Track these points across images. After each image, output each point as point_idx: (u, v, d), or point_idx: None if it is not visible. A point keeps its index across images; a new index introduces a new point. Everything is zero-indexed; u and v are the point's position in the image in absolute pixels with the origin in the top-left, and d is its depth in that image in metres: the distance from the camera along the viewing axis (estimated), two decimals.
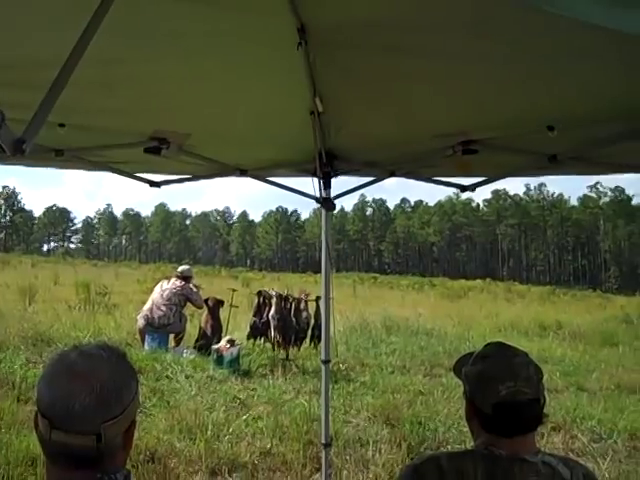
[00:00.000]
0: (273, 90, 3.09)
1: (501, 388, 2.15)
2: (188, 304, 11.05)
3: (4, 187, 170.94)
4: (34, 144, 3.21)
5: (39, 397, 1.70)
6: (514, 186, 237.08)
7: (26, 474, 5.17)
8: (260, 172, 4.59)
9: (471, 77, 2.73)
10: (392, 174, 4.43)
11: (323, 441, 4.78)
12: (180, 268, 11.68)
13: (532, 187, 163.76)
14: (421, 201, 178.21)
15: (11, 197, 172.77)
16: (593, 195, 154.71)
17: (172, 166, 4.33)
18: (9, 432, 6.00)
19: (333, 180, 4.38)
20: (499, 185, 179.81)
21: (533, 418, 2.21)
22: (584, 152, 3.54)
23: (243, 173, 4.52)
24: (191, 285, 11.16)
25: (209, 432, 6.67)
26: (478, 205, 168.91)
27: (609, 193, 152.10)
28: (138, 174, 4.44)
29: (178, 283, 10.89)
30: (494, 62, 2.53)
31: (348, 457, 6.33)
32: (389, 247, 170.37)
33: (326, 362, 4.81)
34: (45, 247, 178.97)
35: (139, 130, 3.56)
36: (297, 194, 4.58)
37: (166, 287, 10.81)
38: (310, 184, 4.28)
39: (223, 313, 11.13)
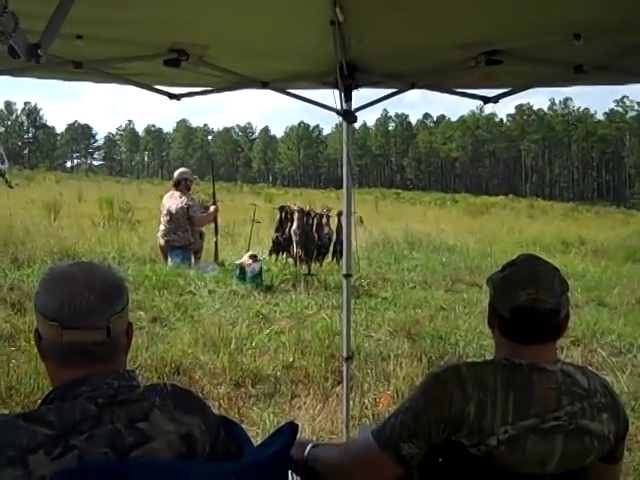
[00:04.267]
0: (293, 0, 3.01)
1: (522, 293, 2.17)
2: None
3: (26, 103, 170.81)
4: (52, 56, 3.18)
5: (43, 305, 1.75)
6: (538, 101, 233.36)
7: None
8: (281, 84, 4.50)
9: None
10: (413, 85, 4.31)
11: (344, 355, 4.81)
12: (177, 172, 10.88)
13: (557, 102, 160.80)
14: (444, 116, 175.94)
15: (33, 113, 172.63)
16: (620, 109, 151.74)
17: (192, 79, 4.26)
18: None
19: (354, 92, 4.28)
20: (523, 100, 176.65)
21: (552, 328, 2.24)
22: (611, 61, 3.42)
23: (264, 85, 4.43)
24: (193, 203, 10.75)
25: (232, 346, 6.78)
26: (501, 120, 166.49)
27: (636, 107, 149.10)
28: (157, 86, 4.39)
29: (183, 201, 10.44)
30: None
31: (369, 371, 6.41)
32: (411, 163, 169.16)
33: (348, 276, 4.80)
34: (68, 164, 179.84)
35: (157, 42, 3.48)
36: (318, 106, 4.49)
37: (170, 209, 10.38)
38: (331, 98, 4.21)
39: (245, 228, 11.12)
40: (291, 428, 1.99)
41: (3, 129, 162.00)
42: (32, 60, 1.97)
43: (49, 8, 1.99)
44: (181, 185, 10.55)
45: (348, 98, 4.26)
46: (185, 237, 10.31)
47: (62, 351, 1.74)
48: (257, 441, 2.02)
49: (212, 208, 10.74)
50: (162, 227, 10.43)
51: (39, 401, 1.83)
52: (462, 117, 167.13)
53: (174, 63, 3.57)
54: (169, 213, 10.26)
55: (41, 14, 2.01)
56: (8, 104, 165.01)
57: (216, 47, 3.62)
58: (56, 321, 1.70)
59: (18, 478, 1.50)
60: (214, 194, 10.93)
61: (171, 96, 4.45)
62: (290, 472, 2.44)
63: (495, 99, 4.33)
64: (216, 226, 10.78)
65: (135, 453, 1.66)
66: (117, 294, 1.80)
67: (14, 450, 1.53)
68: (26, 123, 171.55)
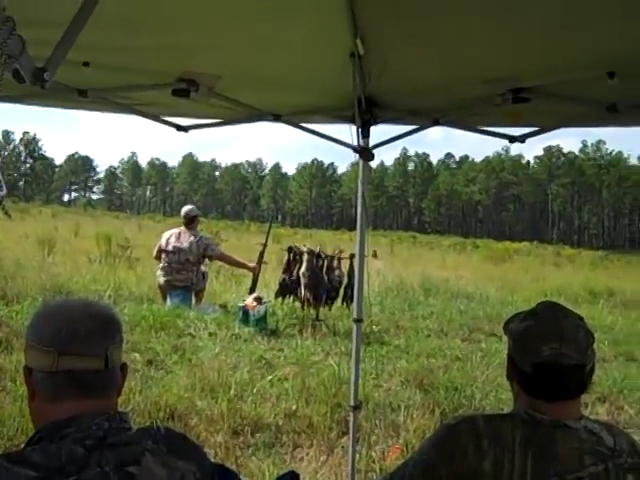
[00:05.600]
0: (311, 30, 3.03)
1: (544, 348, 2.13)
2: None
3: (24, 133, 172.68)
4: (57, 83, 3.25)
5: (38, 334, 1.78)
6: (569, 143, 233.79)
7: None
8: (295, 118, 4.56)
9: (524, 16, 2.67)
10: (436, 122, 4.33)
11: (352, 404, 4.79)
12: (184, 209, 11.10)
13: (589, 144, 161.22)
14: (467, 156, 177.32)
15: (31, 143, 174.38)
16: None
17: (201, 110, 4.31)
18: (25, 384, 6.15)
19: (372, 129, 4.32)
20: (552, 141, 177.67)
21: (577, 384, 2.19)
22: None
23: (277, 118, 4.48)
24: (205, 238, 10.99)
25: (232, 392, 6.75)
26: (528, 162, 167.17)
27: None
28: (165, 117, 4.45)
29: (192, 239, 10.62)
30: None
31: (378, 422, 6.36)
32: (430, 205, 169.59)
33: (358, 321, 4.80)
34: (66, 197, 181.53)
35: (167, 71, 3.54)
36: (333, 142, 4.52)
37: (180, 246, 10.52)
38: (347, 134, 4.24)
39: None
40: (292, 477, 1.98)
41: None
42: (37, 85, 2.02)
43: (56, 34, 2.04)
44: (193, 223, 10.75)
45: (365, 134, 4.30)
46: (189, 277, 10.35)
47: (55, 383, 1.74)
48: None
49: (251, 264, 10.86)
50: (163, 265, 10.45)
51: (23, 445, 1.84)
52: (486, 158, 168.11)
53: (183, 93, 3.63)
54: (176, 251, 10.33)
55: (48, 40, 2.06)
56: (6, 133, 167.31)
57: (228, 78, 3.67)
58: (52, 347, 1.72)
59: None
60: (262, 252, 10.70)
61: (179, 128, 4.51)
62: None
63: (522, 139, 4.35)
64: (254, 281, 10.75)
65: None
66: (114, 326, 1.84)
67: None
68: (24, 154, 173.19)
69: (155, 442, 1.79)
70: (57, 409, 1.74)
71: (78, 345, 1.73)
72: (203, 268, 10.84)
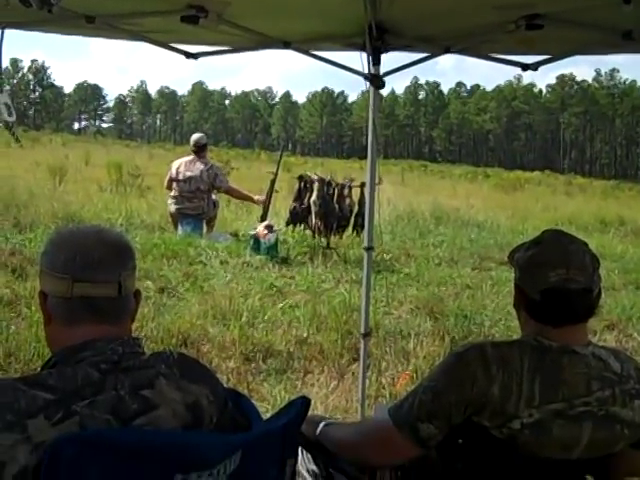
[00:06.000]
0: None
1: (551, 274, 2.15)
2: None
3: (33, 61, 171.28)
4: (64, 9, 3.19)
5: (52, 260, 1.80)
6: (582, 71, 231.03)
7: None
8: (305, 45, 4.48)
9: None
10: (447, 50, 4.25)
11: (362, 331, 4.82)
12: (194, 137, 11.07)
13: (603, 73, 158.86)
14: (478, 85, 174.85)
15: (40, 71, 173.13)
16: None
17: (210, 37, 4.24)
18: (40, 311, 6.21)
19: (383, 56, 4.22)
20: (565, 70, 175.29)
21: (584, 308, 2.23)
22: None
23: (287, 45, 4.40)
24: (215, 167, 11.00)
25: (243, 319, 6.81)
26: (541, 91, 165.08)
27: None
28: (173, 44, 4.39)
29: (202, 167, 10.60)
30: None
31: (388, 348, 6.42)
32: (441, 134, 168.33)
33: (369, 249, 4.80)
34: (76, 125, 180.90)
35: None
36: (343, 69, 4.44)
37: (191, 174, 10.50)
38: (358, 61, 4.18)
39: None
40: (303, 402, 2.00)
41: (8, 87, 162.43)
42: (44, 9, 1.98)
43: None
44: (203, 151, 10.72)
45: (376, 62, 4.20)
46: (200, 205, 10.37)
47: (70, 308, 1.77)
48: (267, 417, 2.03)
49: (257, 198, 10.81)
50: (174, 194, 10.46)
51: (39, 369, 1.86)
52: (498, 87, 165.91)
53: (192, 20, 3.55)
54: (187, 179, 10.32)
55: None
56: (14, 61, 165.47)
57: (237, 4, 3.59)
58: (67, 273, 1.75)
59: (17, 442, 1.52)
60: (273, 181, 10.60)
61: (188, 55, 4.43)
62: (300, 449, 2.46)
63: (535, 66, 4.27)
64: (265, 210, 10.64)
65: (139, 421, 1.68)
66: (127, 252, 1.86)
67: (12, 414, 1.55)
68: (33, 82, 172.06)
69: (168, 366, 1.82)
70: (72, 333, 1.77)
71: (91, 272, 1.75)
72: (214, 197, 10.83)
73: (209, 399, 1.85)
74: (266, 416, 2.05)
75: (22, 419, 1.54)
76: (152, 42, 4.27)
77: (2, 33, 2.13)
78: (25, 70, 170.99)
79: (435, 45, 4.30)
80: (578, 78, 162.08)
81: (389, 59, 4.28)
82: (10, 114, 2.17)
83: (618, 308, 8.18)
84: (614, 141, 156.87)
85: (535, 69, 4.29)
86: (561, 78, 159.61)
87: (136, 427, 1.68)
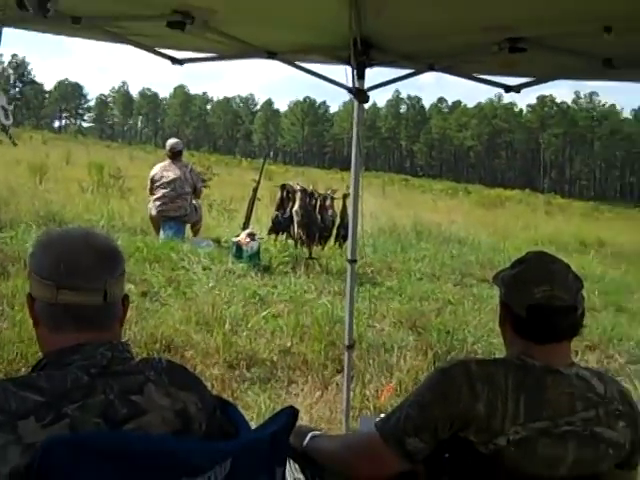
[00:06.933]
0: None
1: (536, 291, 2.21)
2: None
3: (13, 55, 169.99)
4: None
5: (38, 265, 1.80)
6: (562, 93, 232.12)
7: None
8: (290, 56, 4.52)
9: None
10: (431, 68, 4.33)
11: (346, 342, 4.86)
12: (170, 142, 11.16)
13: (582, 95, 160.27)
14: (459, 102, 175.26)
15: (21, 67, 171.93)
16: None
17: (195, 43, 4.25)
18: (22, 310, 6.16)
19: (367, 71, 4.28)
20: (545, 91, 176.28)
21: (569, 326, 2.27)
22: None
23: (272, 55, 4.43)
24: (194, 170, 11.16)
25: (227, 326, 6.83)
26: (521, 111, 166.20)
27: None
28: (159, 49, 4.39)
29: (184, 169, 10.73)
30: None
31: (371, 361, 6.45)
32: (422, 148, 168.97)
33: (352, 262, 4.85)
34: (56, 123, 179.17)
35: (163, 2, 3.49)
36: (328, 82, 4.49)
37: (173, 176, 10.56)
38: (342, 75, 4.21)
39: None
40: (291, 412, 2.01)
41: (3, 94, 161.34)
42: (40, 14, 2.00)
43: None
44: (178, 157, 10.81)
45: (361, 76, 4.25)
46: (183, 206, 10.42)
47: (56, 314, 1.77)
48: (253, 426, 2.04)
49: None
50: (157, 195, 10.48)
51: (23, 369, 1.87)
52: (479, 104, 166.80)
53: (178, 26, 3.56)
54: (171, 181, 10.37)
55: None
56: None
57: (224, 12, 3.62)
58: (51, 280, 1.74)
59: (8, 442, 1.53)
60: (256, 189, 10.68)
61: (174, 60, 4.45)
62: (288, 459, 2.48)
63: (517, 89, 4.38)
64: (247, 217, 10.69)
65: (129, 426, 1.69)
66: (115, 259, 1.85)
67: (3, 414, 1.56)
68: (12, 77, 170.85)
69: (157, 373, 1.83)
70: (60, 338, 1.77)
71: (77, 279, 1.75)
72: (194, 201, 10.88)
73: (197, 406, 1.86)
74: (252, 425, 2.05)
75: (13, 420, 1.55)
76: (137, 46, 4.28)
77: None
78: (5, 65, 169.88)
79: (419, 62, 4.37)
80: (558, 99, 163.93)
81: (372, 72, 4.33)
82: (7, 117, 2.18)
83: (599, 329, 8.25)
84: (593, 163, 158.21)
85: (518, 91, 4.40)
86: (541, 99, 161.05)
87: (126, 431, 1.69)
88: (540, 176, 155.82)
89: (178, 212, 10.46)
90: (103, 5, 3.57)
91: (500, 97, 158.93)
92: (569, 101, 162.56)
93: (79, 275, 1.75)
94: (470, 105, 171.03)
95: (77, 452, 1.52)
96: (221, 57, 4.63)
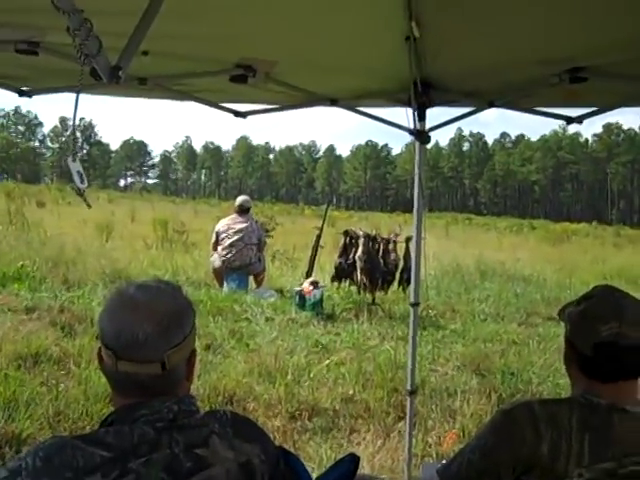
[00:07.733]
0: (365, 13, 3.03)
1: (603, 329, 2.13)
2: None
3: (81, 119, 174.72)
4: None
5: (103, 330, 1.83)
6: (628, 120, 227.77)
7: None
8: (351, 102, 4.59)
9: None
10: (492, 104, 4.32)
11: (409, 388, 4.82)
12: (240, 199, 11.43)
13: None
14: (523, 136, 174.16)
15: (88, 129, 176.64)
16: None
17: (258, 95, 4.35)
18: (88, 368, 6.31)
19: (428, 111, 4.32)
20: (611, 118, 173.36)
21: (636, 365, 2.19)
22: None
23: (333, 103, 4.51)
24: (260, 224, 11.38)
25: (289, 376, 6.84)
26: (587, 140, 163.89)
27: None
28: (222, 104, 4.51)
29: (251, 221, 10.99)
30: None
31: (434, 406, 6.38)
32: (486, 185, 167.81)
33: (415, 305, 4.83)
34: (122, 182, 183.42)
35: (224, 58, 3.60)
36: (390, 125, 4.55)
37: (240, 227, 10.81)
38: (403, 116, 4.24)
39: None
40: (352, 459, 2.03)
41: (57, 145, 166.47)
42: (113, 81, 2.10)
43: (127, 24, 2.13)
44: (247, 213, 11.13)
45: (422, 117, 4.29)
46: (249, 256, 10.62)
47: (118, 380, 1.83)
48: (314, 477, 2.05)
49: None
50: (222, 246, 10.71)
51: (87, 427, 1.92)
52: (543, 137, 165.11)
53: (241, 79, 3.68)
54: (238, 230, 10.63)
55: (119, 31, 2.15)
56: (63, 120, 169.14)
57: (285, 63, 3.71)
58: (111, 350, 1.79)
59: None
60: (319, 236, 11.05)
61: (237, 114, 4.54)
62: None
63: (579, 119, 4.32)
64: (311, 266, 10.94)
65: (193, 479, 1.73)
66: (178, 325, 1.85)
67: (70, 471, 1.61)
68: (80, 139, 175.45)
69: (222, 425, 1.86)
70: (122, 400, 1.83)
71: (135, 351, 1.77)
72: (259, 252, 11.03)
73: (261, 458, 1.88)
74: (313, 476, 2.07)
75: (79, 477, 1.60)
76: (202, 102, 4.41)
77: (77, 99, 2.24)
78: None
79: (479, 99, 4.37)
80: (625, 126, 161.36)
81: (433, 111, 4.36)
82: (82, 181, 2.28)
83: None
84: None
85: (580, 122, 4.34)
86: (607, 127, 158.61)
87: None
88: (608, 207, 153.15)
89: (242, 261, 10.61)
90: (167, 65, 3.68)
91: (565, 128, 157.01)
92: (636, 127, 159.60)
93: (137, 348, 1.76)
94: (534, 138, 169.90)
95: None
96: (284, 107, 4.70)
